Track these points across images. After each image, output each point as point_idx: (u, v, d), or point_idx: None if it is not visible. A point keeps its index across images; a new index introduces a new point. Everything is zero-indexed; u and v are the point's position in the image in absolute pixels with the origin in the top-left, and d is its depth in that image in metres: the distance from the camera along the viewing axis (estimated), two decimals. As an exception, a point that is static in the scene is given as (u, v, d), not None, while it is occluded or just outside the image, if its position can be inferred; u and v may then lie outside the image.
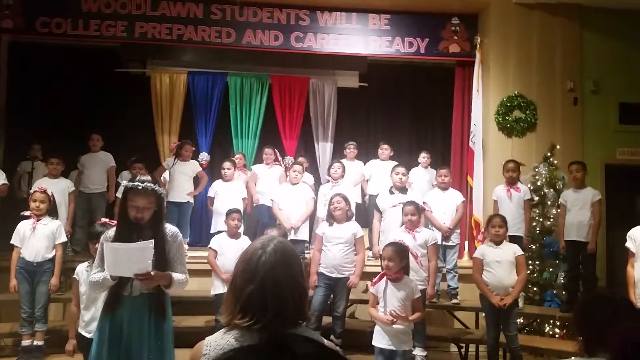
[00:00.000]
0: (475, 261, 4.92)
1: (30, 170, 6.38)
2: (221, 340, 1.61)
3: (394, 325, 4.06)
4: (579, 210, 5.67)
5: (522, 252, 4.88)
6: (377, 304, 4.23)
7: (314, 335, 1.63)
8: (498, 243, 4.85)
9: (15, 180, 6.82)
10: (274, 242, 1.69)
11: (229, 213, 5.39)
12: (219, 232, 5.77)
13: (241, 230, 6.27)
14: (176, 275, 3.01)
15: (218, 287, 5.22)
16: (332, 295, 5.31)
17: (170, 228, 3.12)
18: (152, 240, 2.86)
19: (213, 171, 7.78)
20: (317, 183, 7.39)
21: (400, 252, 4.19)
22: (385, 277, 4.21)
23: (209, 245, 5.48)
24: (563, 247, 5.82)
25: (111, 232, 3.07)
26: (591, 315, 1.94)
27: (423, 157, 7.26)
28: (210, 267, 5.31)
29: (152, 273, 2.85)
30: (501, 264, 4.75)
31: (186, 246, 6.67)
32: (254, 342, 1.52)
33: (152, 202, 2.97)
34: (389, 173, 6.66)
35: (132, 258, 2.82)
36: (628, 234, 4.58)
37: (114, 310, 2.96)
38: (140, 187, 2.91)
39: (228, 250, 5.22)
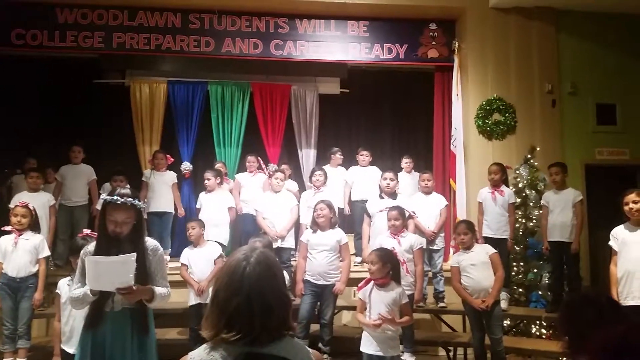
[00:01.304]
0: (452, 270, 4.95)
1: (9, 185, 6.28)
2: (206, 356, 1.57)
3: (381, 331, 4.05)
4: (561, 211, 5.73)
5: (495, 251, 4.90)
6: (365, 309, 4.23)
7: (296, 350, 1.61)
8: (467, 248, 4.88)
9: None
10: (257, 253, 1.67)
11: (187, 224, 5.50)
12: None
13: (225, 239, 6.26)
14: (158, 289, 2.97)
15: (192, 299, 5.27)
16: (318, 303, 5.29)
17: (150, 242, 3.09)
18: (134, 254, 2.81)
19: (196, 181, 7.73)
20: (302, 190, 7.37)
21: (383, 256, 4.20)
22: (371, 282, 4.20)
23: (179, 261, 5.47)
24: (547, 248, 5.88)
25: (91, 246, 3.02)
26: (576, 316, 1.94)
27: (405, 162, 7.30)
28: (186, 281, 5.34)
29: (134, 287, 2.80)
30: (476, 266, 4.78)
31: (168, 257, 6.64)
32: None
33: (130, 216, 2.93)
34: (369, 179, 6.71)
35: (113, 272, 2.78)
36: (611, 232, 4.63)
37: (96, 326, 2.91)
38: (119, 202, 2.87)
39: (196, 260, 5.34)
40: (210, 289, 5.03)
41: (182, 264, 5.39)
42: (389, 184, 5.83)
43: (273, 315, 1.58)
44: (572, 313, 1.98)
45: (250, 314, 1.56)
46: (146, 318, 3.01)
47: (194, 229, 5.37)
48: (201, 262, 5.30)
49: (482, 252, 4.85)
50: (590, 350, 1.55)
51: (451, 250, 6.99)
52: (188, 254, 5.39)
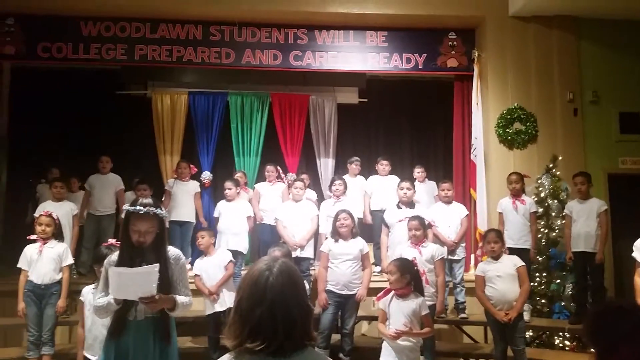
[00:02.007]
0: (477, 279, 4.90)
1: (36, 196, 6.41)
2: None
3: (400, 342, 4.02)
4: (585, 220, 5.65)
5: (523, 263, 4.84)
6: (386, 319, 4.20)
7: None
8: (496, 258, 4.83)
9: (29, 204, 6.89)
10: (279, 263, 1.68)
11: (197, 233, 5.61)
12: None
13: (244, 248, 6.29)
14: (180, 298, 2.99)
15: (209, 307, 5.33)
16: (339, 313, 5.27)
17: (172, 251, 3.11)
18: (158, 265, 2.84)
19: (216, 190, 7.79)
20: (320, 199, 7.38)
21: (402, 266, 4.17)
22: (392, 292, 4.18)
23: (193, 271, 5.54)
24: (570, 258, 5.80)
25: (114, 256, 3.05)
26: (609, 327, 1.87)
27: (418, 172, 7.28)
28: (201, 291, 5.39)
29: (157, 296, 2.83)
30: (502, 277, 4.72)
31: (188, 266, 6.67)
32: None
33: (154, 225, 2.95)
34: (389, 188, 6.68)
35: (136, 282, 2.81)
36: (635, 244, 4.54)
37: (119, 334, 2.94)
38: (142, 212, 2.90)
39: (207, 268, 5.40)
40: (223, 294, 5.11)
41: (196, 275, 5.44)
42: (405, 194, 5.80)
43: (296, 324, 1.59)
44: (605, 324, 1.91)
45: (273, 323, 1.56)
46: (169, 327, 3.03)
47: (203, 237, 5.44)
48: (212, 269, 5.36)
49: (510, 264, 4.79)
50: None
51: (471, 260, 6.94)
52: (200, 264, 5.46)
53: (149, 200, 3.00)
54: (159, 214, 2.97)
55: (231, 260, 5.45)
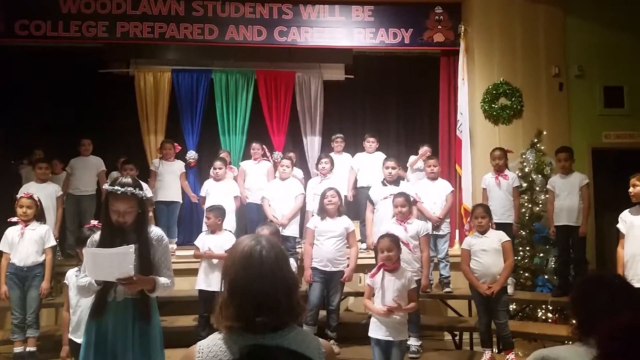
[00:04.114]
0: (463, 252, 4.97)
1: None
2: (214, 346, 1.56)
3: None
4: (567, 195, 5.71)
5: (508, 239, 4.91)
6: (373, 295, 4.25)
7: (306, 342, 1.60)
8: (483, 232, 4.88)
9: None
10: (264, 237, 1.67)
11: (206, 211, 5.59)
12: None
13: (232, 227, 6.29)
14: (160, 279, 2.95)
15: (199, 283, 5.29)
16: (325, 290, 5.31)
17: (155, 231, 3.06)
18: (133, 245, 2.79)
19: (201, 169, 7.75)
20: (307, 177, 7.37)
21: (396, 241, 4.24)
22: (382, 268, 4.22)
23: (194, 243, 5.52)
24: (553, 232, 5.87)
25: (97, 236, 3.02)
26: (589, 297, 1.88)
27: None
28: (198, 258, 5.36)
29: (135, 278, 2.80)
30: (487, 252, 4.79)
31: (174, 246, 6.70)
32: (236, 357, 1.49)
33: (133, 205, 2.90)
34: (376, 165, 6.67)
35: (112, 263, 2.77)
36: (620, 215, 4.63)
37: (99, 315, 2.93)
38: (119, 192, 2.85)
39: (210, 246, 5.32)
40: (215, 276, 5.07)
41: (196, 246, 5.41)
42: (390, 173, 5.81)
43: (293, 296, 1.60)
44: (585, 294, 1.92)
45: (275, 297, 1.55)
46: (149, 308, 3.00)
47: (209, 219, 5.40)
48: (213, 248, 5.32)
49: (495, 239, 4.85)
50: (598, 334, 1.54)
51: (456, 235, 7.01)
52: (204, 239, 5.42)
53: (127, 180, 2.94)
54: (137, 194, 2.91)
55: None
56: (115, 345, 2.89)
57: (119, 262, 2.76)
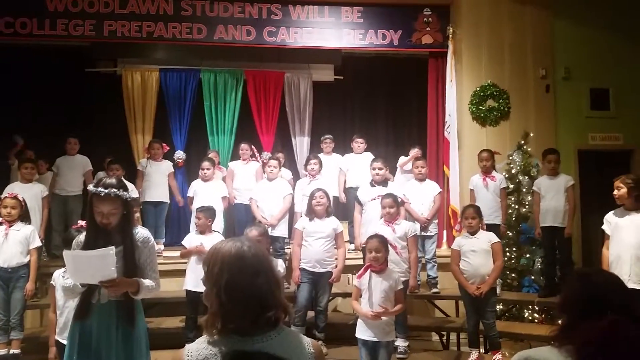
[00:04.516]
0: (453, 252, 4.98)
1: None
2: (204, 349, 1.56)
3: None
4: (553, 196, 5.76)
5: (498, 240, 4.94)
6: (360, 296, 4.25)
7: (293, 346, 1.60)
8: (473, 233, 4.91)
9: None
10: (243, 238, 1.70)
11: (196, 212, 5.54)
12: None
13: (220, 228, 6.26)
14: (144, 282, 2.91)
15: (187, 283, 5.23)
16: (314, 290, 5.31)
17: (141, 232, 3.02)
18: (113, 247, 2.76)
19: (190, 169, 7.71)
20: (296, 178, 7.35)
21: (384, 242, 4.24)
22: (369, 270, 4.22)
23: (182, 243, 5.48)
24: (539, 233, 5.92)
25: (82, 237, 2.99)
26: (582, 297, 1.74)
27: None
28: (186, 256, 5.32)
29: (118, 280, 2.77)
30: (477, 252, 4.81)
31: (162, 246, 6.67)
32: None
33: (117, 207, 2.87)
34: (364, 165, 6.68)
35: (93, 265, 2.73)
36: (605, 216, 4.67)
37: (83, 317, 2.90)
38: (102, 194, 2.82)
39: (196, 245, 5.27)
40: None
41: (183, 246, 5.37)
42: (377, 173, 5.82)
43: (281, 292, 1.61)
44: (581, 292, 1.77)
45: (273, 292, 1.57)
46: (133, 311, 2.97)
47: (199, 219, 5.37)
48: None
49: (485, 240, 4.87)
50: (575, 341, 1.54)
51: (444, 236, 7.05)
52: (192, 239, 5.37)
53: (111, 181, 2.91)
54: (121, 196, 2.87)
55: None
56: (99, 348, 2.87)
57: (100, 264, 2.72)
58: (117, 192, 2.86)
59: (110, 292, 2.85)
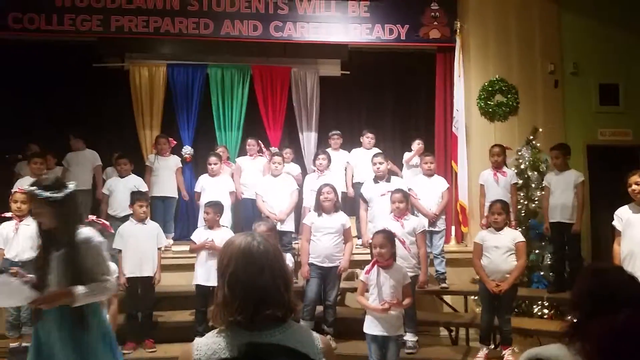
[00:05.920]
0: (475, 246, 4.96)
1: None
2: (212, 344, 1.55)
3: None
4: (562, 192, 5.73)
5: (523, 239, 4.88)
6: (367, 291, 4.25)
7: (303, 339, 1.59)
8: (498, 229, 4.86)
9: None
10: (256, 233, 1.68)
11: (204, 207, 5.59)
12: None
13: (228, 223, 6.26)
14: (78, 289, 2.76)
15: (197, 278, 5.26)
16: (322, 285, 5.31)
17: (82, 234, 2.86)
18: (5, 275, 2.76)
19: (197, 164, 7.71)
20: (304, 173, 7.35)
21: (390, 238, 4.24)
22: (376, 265, 4.22)
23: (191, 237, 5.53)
24: (547, 229, 5.89)
25: (83, 233, 2.92)
26: (595, 292, 1.74)
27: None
28: (195, 251, 5.35)
29: (45, 297, 2.74)
30: (499, 249, 4.78)
31: (171, 241, 6.66)
32: (233, 354, 1.49)
33: (40, 207, 2.76)
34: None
35: (5, 291, 2.70)
36: (616, 212, 4.63)
37: (36, 321, 2.90)
38: (25, 192, 2.86)
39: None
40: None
41: (192, 241, 5.42)
42: (378, 168, 5.80)
43: (291, 290, 1.60)
44: (595, 287, 1.76)
45: (278, 292, 1.56)
46: (81, 314, 2.84)
47: (208, 214, 5.41)
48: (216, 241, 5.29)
49: (509, 238, 4.84)
50: (587, 337, 1.52)
51: (452, 231, 7.02)
52: (201, 233, 5.43)
53: (38, 179, 2.85)
54: (37, 194, 2.71)
55: None
56: (52, 351, 2.84)
57: (10, 290, 2.69)
58: (33, 190, 2.74)
59: (44, 307, 2.79)
